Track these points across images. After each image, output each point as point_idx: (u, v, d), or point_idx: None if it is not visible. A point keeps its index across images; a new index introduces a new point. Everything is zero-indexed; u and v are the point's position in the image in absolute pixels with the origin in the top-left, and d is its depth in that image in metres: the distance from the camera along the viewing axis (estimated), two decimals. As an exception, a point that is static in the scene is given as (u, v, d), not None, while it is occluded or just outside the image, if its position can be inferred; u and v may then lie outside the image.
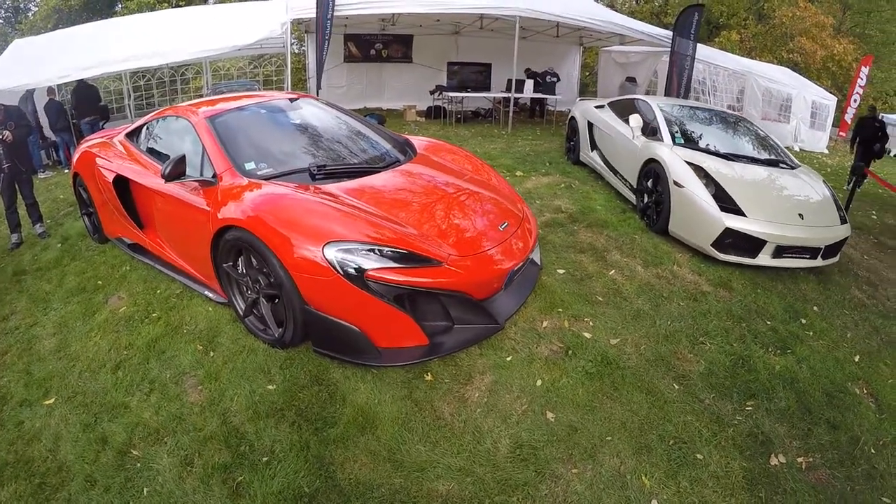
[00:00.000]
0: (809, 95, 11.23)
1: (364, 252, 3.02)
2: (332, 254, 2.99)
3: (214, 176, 3.73)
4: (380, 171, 3.96)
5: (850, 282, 5.29)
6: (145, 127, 4.94)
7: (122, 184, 4.71)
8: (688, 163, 5.37)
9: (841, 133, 13.41)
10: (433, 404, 3.09)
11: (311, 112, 4.80)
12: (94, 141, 5.52)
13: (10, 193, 5.97)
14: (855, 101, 13.16)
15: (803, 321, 4.44)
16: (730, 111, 7.81)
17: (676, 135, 5.98)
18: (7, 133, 5.73)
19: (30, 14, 25.27)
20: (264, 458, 2.85)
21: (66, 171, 9.60)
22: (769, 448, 3.09)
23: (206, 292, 4.10)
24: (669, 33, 11.17)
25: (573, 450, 2.80)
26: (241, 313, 3.73)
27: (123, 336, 3.97)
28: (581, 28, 11.43)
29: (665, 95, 11.63)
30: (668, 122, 6.16)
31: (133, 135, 5.02)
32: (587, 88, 18.11)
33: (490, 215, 3.74)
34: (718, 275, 4.89)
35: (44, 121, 10.62)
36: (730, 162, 5.62)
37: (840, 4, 22.29)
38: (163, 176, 3.68)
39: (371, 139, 4.63)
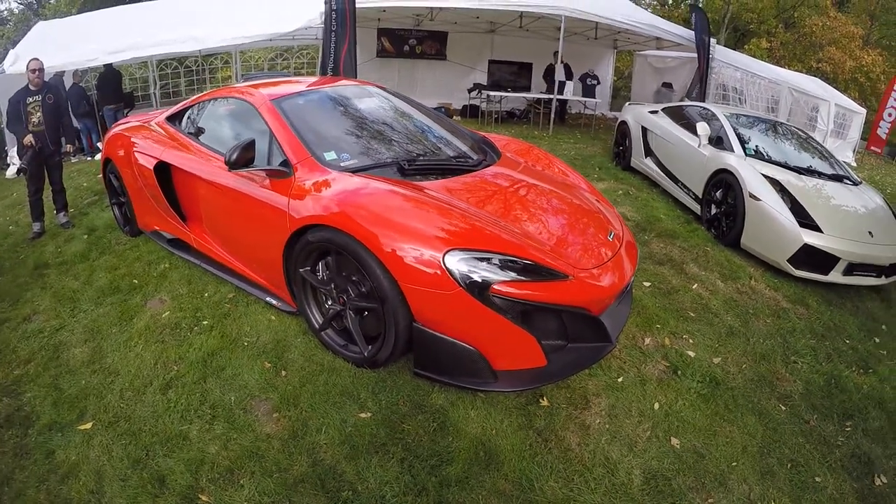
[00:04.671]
0: (838, 106, 11.15)
1: (489, 262, 2.67)
2: (455, 263, 2.62)
3: (288, 166, 3.34)
4: (473, 171, 3.60)
5: (910, 300, 5.26)
6: (191, 110, 4.57)
7: (162, 172, 4.33)
8: (763, 175, 5.32)
9: (874, 148, 13.31)
10: (556, 433, 2.85)
11: (382, 101, 4.41)
12: (128, 124, 5.15)
13: (39, 178, 5.57)
14: (889, 115, 13.05)
15: (877, 340, 4.45)
16: (790, 124, 7.76)
17: (747, 146, 5.92)
18: (51, 97, 5.48)
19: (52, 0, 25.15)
20: None
21: (88, 158, 9.45)
22: (871, 469, 3.08)
23: (268, 299, 3.68)
24: (713, 40, 11.12)
25: (704, 478, 2.76)
26: (317, 326, 3.34)
27: (171, 347, 3.50)
28: (621, 30, 11.36)
29: (688, 98, 11.59)
30: (737, 132, 6.10)
31: (175, 118, 4.65)
32: (619, 92, 18.04)
33: (596, 223, 3.42)
34: (793, 291, 4.88)
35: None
36: (801, 176, 5.60)
37: (867, 15, 22.17)
38: (228, 163, 3.28)
39: (451, 135, 4.22)
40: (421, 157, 3.69)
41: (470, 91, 12.34)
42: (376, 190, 3.04)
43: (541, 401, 3.01)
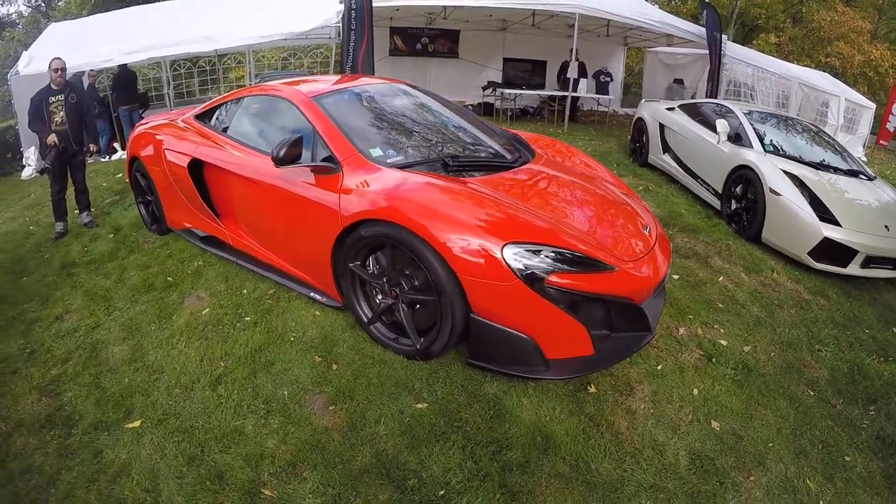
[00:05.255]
0: (848, 101, 11.27)
1: (542, 255, 2.79)
2: (512, 256, 2.73)
3: (334, 162, 3.39)
4: (512, 168, 3.69)
5: (925, 293, 5.46)
6: (222, 108, 4.60)
7: (193, 170, 4.37)
8: (783, 170, 5.50)
9: (882, 142, 13.43)
10: (606, 418, 2.98)
11: (415, 99, 4.48)
12: (154, 123, 5.16)
13: (63, 177, 5.57)
14: (896, 109, 13.18)
15: (894, 330, 4.64)
16: (805, 120, 7.92)
17: (765, 142, 6.09)
18: (73, 96, 5.50)
19: (61, 1, 25.31)
20: (440, 492, 2.52)
21: (104, 159, 9.46)
22: (895, 450, 3.26)
23: (312, 294, 3.73)
24: (724, 37, 11.26)
25: (744, 458, 2.95)
26: (366, 320, 3.41)
27: (216, 344, 3.52)
28: (633, 28, 11.50)
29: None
30: (755, 129, 6.27)
31: (205, 116, 4.68)
32: (629, 89, 18.16)
33: (632, 217, 3.53)
34: (813, 283, 5.07)
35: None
36: (818, 171, 5.77)
37: (874, 9, 22.22)
38: (276, 159, 3.31)
39: (484, 132, 4.28)
40: (462, 155, 3.77)
41: (485, 89, 12.50)
42: (430, 185, 3.12)
43: (588, 388, 3.15)
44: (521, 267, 2.73)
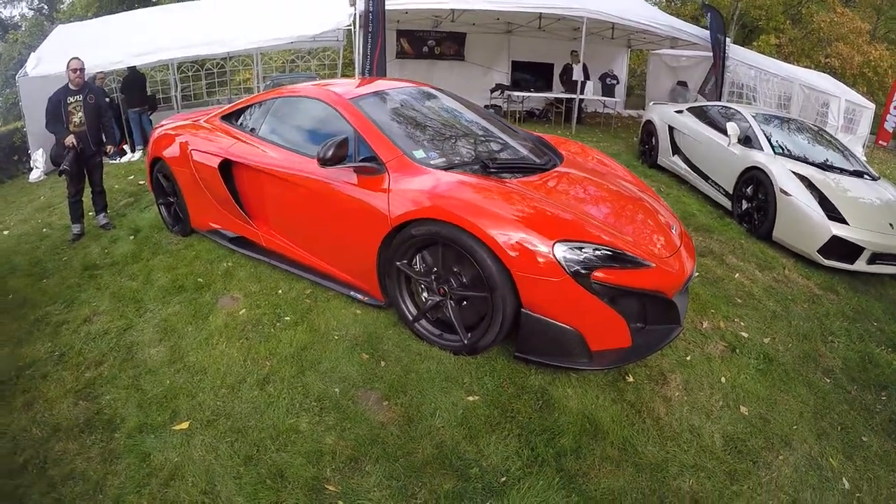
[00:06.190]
0: (848, 101, 11.52)
1: (590, 252, 2.96)
2: (561, 252, 2.90)
3: (378, 163, 3.48)
4: (546, 169, 3.84)
5: (925, 287, 5.76)
6: (249, 109, 4.64)
7: (223, 170, 4.41)
8: (792, 172, 5.77)
9: (881, 142, 13.72)
10: (646, 405, 3.18)
11: (444, 102, 4.58)
12: (176, 123, 5.18)
13: (80, 179, 5.50)
14: (895, 108, 13.46)
15: (901, 322, 4.89)
16: (809, 122, 8.19)
17: (774, 143, 6.36)
18: (92, 96, 5.46)
19: (64, 4, 25.40)
20: (502, 479, 2.63)
21: (113, 161, 9.33)
22: (909, 431, 3.54)
23: (352, 293, 3.81)
24: (729, 39, 11.52)
25: (772, 439, 3.21)
26: (411, 318, 3.52)
27: (258, 344, 3.54)
28: (638, 31, 11.75)
29: (702, 94, 11.98)
30: (764, 131, 6.54)
31: (231, 117, 4.72)
32: (632, 91, 18.42)
33: (659, 217, 3.73)
34: (823, 279, 5.35)
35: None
36: (825, 172, 6.04)
37: (873, 9, 22.53)
38: (322, 159, 3.40)
39: (511, 134, 4.41)
40: (499, 157, 3.90)
41: (492, 91, 12.72)
42: (479, 186, 3.25)
43: (627, 377, 3.36)
44: (570, 263, 2.91)
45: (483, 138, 4.20)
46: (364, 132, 3.66)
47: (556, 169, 3.94)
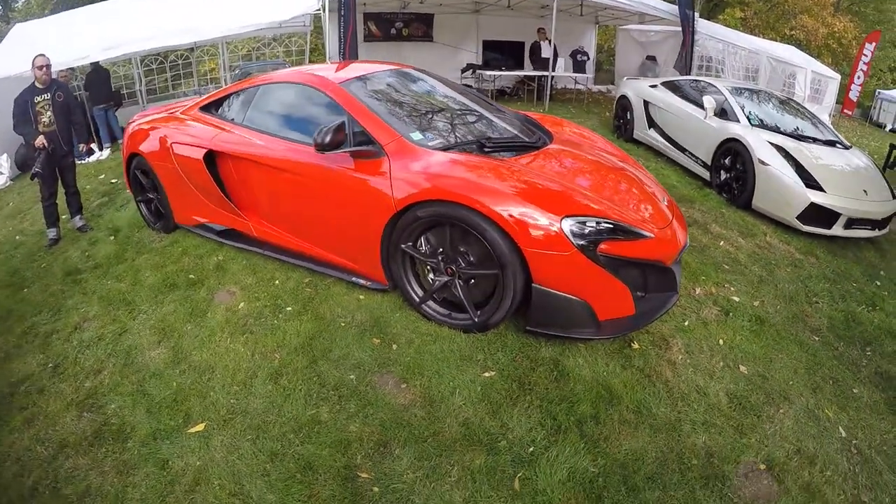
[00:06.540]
0: (814, 73, 11.79)
1: (595, 226, 3.04)
2: (569, 227, 2.96)
3: (376, 147, 3.46)
4: (539, 147, 3.84)
5: (898, 249, 6.08)
6: (231, 99, 4.53)
7: (208, 162, 4.30)
8: (769, 142, 5.95)
9: (846, 111, 14.13)
10: (654, 369, 3.30)
11: (428, 82, 4.54)
12: (150, 117, 5.01)
13: (53, 181, 5.28)
14: (859, 77, 13.89)
15: (878, 283, 5.19)
16: (779, 92, 8.41)
17: (750, 116, 6.54)
18: (60, 94, 5.24)
19: (19, 2, 24.43)
20: (530, 449, 2.72)
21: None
22: (893, 383, 3.74)
23: (354, 279, 3.80)
24: (696, 14, 11.68)
25: (772, 394, 3.38)
26: (417, 300, 3.55)
27: (264, 337, 3.49)
28: (607, 7, 11.84)
29: (675, 68, 12.14)
30: (741, 104, 6.71)
31: (211, 108, 4.61)
32: (601, 66, 18.54)
33: (650, 190, 3.81)
34: (802, 244, 5.58)
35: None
36: (799, 142, 6.25)
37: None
38: (320, 145, 3.32)
39: (498, 113, 4.39)
40: (494, 137, 3.88)
41: (463, 72, 12.72)
42: (482, 165, 3.28)
43: (632, 345, 3.47)
44: (577, 238, 2.99)
45: (474, 118, 4.19)
46: (359, 116, 3.62)
47: (549, 146, 3.95)
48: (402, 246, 3.44)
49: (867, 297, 4.82)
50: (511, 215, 3.00)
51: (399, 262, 3.53)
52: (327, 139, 3.31)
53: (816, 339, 4.06)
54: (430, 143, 3.54)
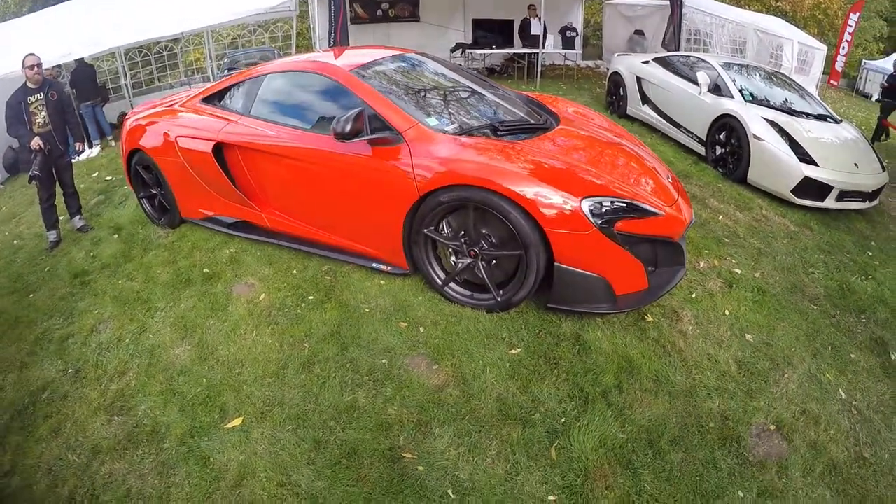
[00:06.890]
0: (801, 44, 11.87)
1: (611, 205, 3.16)
2: (588, 207, 3.08)
3: (394, 133, 3.48)
4: (550, 129, 3.89)
5: (887, 220, 6.39)
6: (234, 89, 4.49)
7: (216, 154, 4.27)
8: (763, 118, 6.12)
9: (832, 82, 14.31)
10: (668, 340, 3.47)
11: (432, 66, 4.54)
12: (149, 111, 4.95)
13: (51, 183, 5.14)
14: (843, 48, 14.07)
15: (870, 253, 5.43)
16: (769, 67, 8.56)
17: (744, 91, 6.69)
18: (53, 93, 5.12)
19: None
20: (562, 420, 2.87)
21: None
22: (886, 348, 3.98)
23: (374, 265, 3.81)
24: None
25: (777, 360, 3.59)
26: (440, 282, 3.61)
27: (290, 327, 3.49)
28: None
29: (662, 46, 12.24)
30: (733, 80, 6.86)
31: (214, 99, 4.58)
32: (589, 41, 18.54)
33: (656, 168, 3.90)
34: (797, 217, 5.79)
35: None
36: (792, 116, 6.42)
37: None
38: (340, 134, 3.32)
39: (503, 95, 4.45)
40: (507, 120, 3.91)
41: (452, 51, 12.72)
42: (502, 149, 3.34)
43: (646, 317, 3.64)
44: (596, 217, 3.11)
45: (484, 102, 4.23)
46: (374, 103, 3.62)
47: (558, 127, 4.00)
48: (425, 230, 3.49)
49: (860, 267, 5.04)
50: (534, 197, 3.09)
51: (421, 246, 3.58)
52: (348, 128, 3.31)
53: (814, 307, 4.27)
54: (446, 129, 3.58)
